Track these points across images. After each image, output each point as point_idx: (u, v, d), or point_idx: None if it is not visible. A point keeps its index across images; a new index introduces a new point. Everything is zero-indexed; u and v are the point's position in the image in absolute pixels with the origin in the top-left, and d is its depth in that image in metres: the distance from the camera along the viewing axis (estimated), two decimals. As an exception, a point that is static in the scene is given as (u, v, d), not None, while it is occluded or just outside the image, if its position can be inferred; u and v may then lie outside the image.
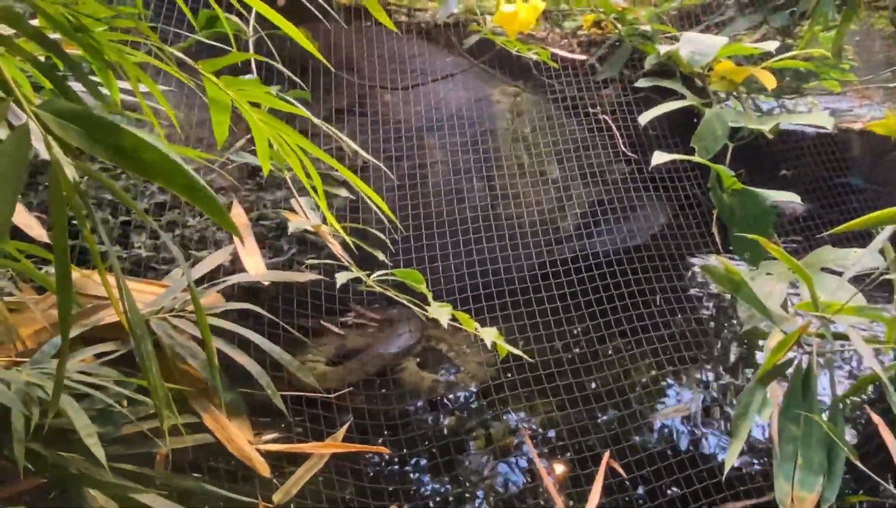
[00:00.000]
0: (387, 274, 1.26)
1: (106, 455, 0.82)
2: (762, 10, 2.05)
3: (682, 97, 1.73)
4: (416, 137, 2.46)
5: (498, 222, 2.52)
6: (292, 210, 1.41)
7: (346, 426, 1.29)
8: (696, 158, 1.39)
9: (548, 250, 2.57)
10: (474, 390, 2.10)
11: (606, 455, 1.43)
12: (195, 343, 1.01)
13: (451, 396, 2.08)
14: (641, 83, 1.96)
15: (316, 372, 2.09)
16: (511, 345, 2.02)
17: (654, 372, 2.15)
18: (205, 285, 1.20)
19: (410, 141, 2.45)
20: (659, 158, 1.31)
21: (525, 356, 1.51)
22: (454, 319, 1.33)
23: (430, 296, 1.24)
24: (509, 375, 2.25)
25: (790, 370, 1.05)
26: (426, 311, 1.23)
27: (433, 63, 2.54)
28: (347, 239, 1.36)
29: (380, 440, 1.80)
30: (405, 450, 1.78)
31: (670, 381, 2.16)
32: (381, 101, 2.52)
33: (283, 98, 0.91)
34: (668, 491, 1.45)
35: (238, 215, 1.28)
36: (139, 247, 1.86)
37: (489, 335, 1.21)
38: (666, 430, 1.87)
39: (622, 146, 2.12)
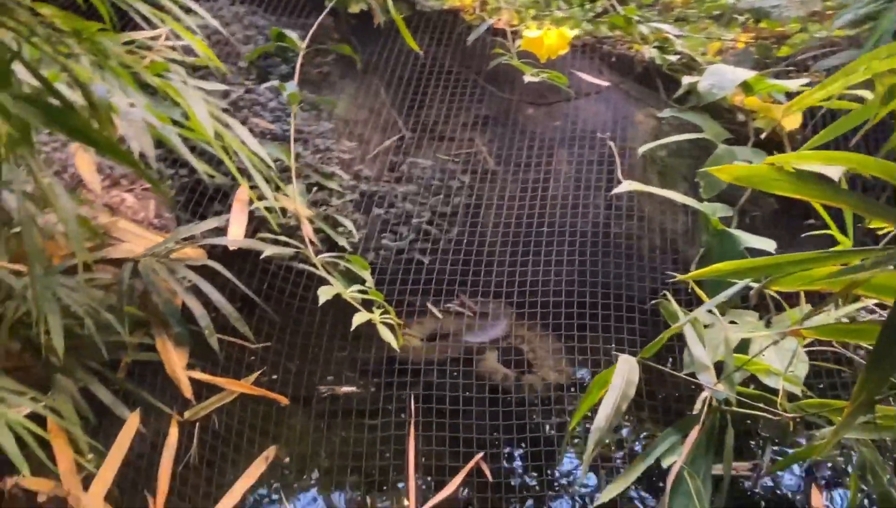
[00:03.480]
0: (338, 257, 1.49)
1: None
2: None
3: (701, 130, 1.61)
4: (546, 150, 2.60)
5: (616, 241, 2.54)
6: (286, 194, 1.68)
7: (258, 373, 1.57)
8: (670, 194, 1.33)
9: (668, 276, 2.51)
10: (541, 393, 2.20)
11: (479, 456, 1.65)
12: (173, 284, 1.35)
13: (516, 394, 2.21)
14: (665, 113, 1.88)
15: (408, 345, 2.40)
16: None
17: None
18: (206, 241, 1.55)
19: (541, 154, 2.60)
20: (626, 186, 1.29)
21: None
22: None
23: (370, 282, 1.45)
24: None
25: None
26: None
27: (579, 79, 2.63)
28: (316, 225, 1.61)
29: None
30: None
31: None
32: (524, 114, 2.71)
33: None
34: None
35: (242, 192, 1.58)
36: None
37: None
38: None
39: (618, 173, 2.02)
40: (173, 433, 1.32)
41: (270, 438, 1.78)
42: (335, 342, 2.16)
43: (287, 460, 2.03)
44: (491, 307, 2.50)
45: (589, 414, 1.88)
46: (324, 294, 1.45)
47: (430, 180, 2.55)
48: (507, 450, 2.07)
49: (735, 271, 0.75)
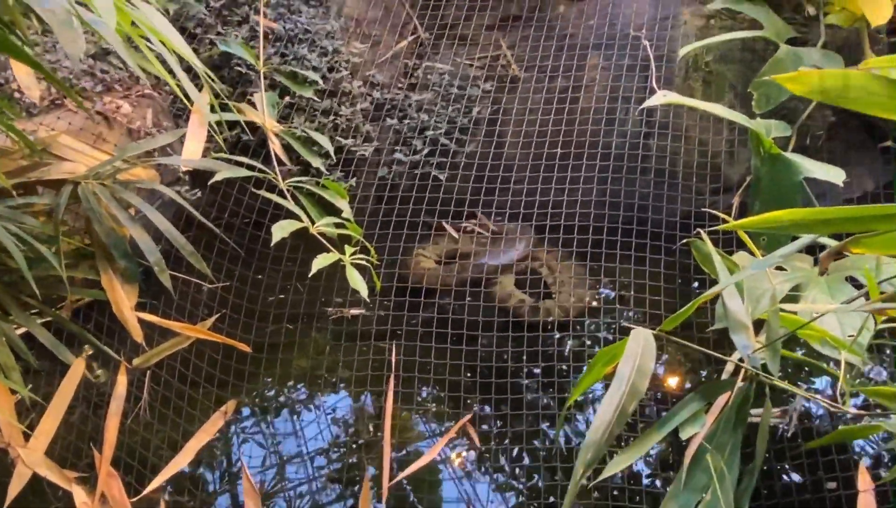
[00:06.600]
0: (310, 181, 1.30)
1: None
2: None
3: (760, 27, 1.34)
4: (578, 55, 2.34)
5: (650, 157, 2.31)
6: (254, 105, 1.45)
7: (215, 317, 1.41)
8: (714, 109, 1.10)
9: (706, 201, 2.29)
10: (556, 319, 2.07)
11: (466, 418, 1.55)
12: (115, 211, 1.19)
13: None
14: (715, 4, 1.59)
15: (421, 267, 2.28)
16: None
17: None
18: (153, 161, 1.36)
19: (572, 59, 2.33)
20: (659, 97, 1.08)
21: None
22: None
23: (347, 212, 1.26)
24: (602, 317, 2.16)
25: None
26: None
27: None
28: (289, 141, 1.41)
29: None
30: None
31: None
32: (554, 12, 2.42)
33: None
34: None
35: (200, 103, 1.36)
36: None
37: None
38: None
39: (653, 81, 1.76)
40: (121, 381, 1.20)
41: (229, 389, 1.59)
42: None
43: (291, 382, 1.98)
44: (510, 228, 2.34)
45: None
46: (279, 231, 1.17)
47: (448, 88, 2.33)
48: (523, 379, 1.98)
49: (800, 223, 0.57)
